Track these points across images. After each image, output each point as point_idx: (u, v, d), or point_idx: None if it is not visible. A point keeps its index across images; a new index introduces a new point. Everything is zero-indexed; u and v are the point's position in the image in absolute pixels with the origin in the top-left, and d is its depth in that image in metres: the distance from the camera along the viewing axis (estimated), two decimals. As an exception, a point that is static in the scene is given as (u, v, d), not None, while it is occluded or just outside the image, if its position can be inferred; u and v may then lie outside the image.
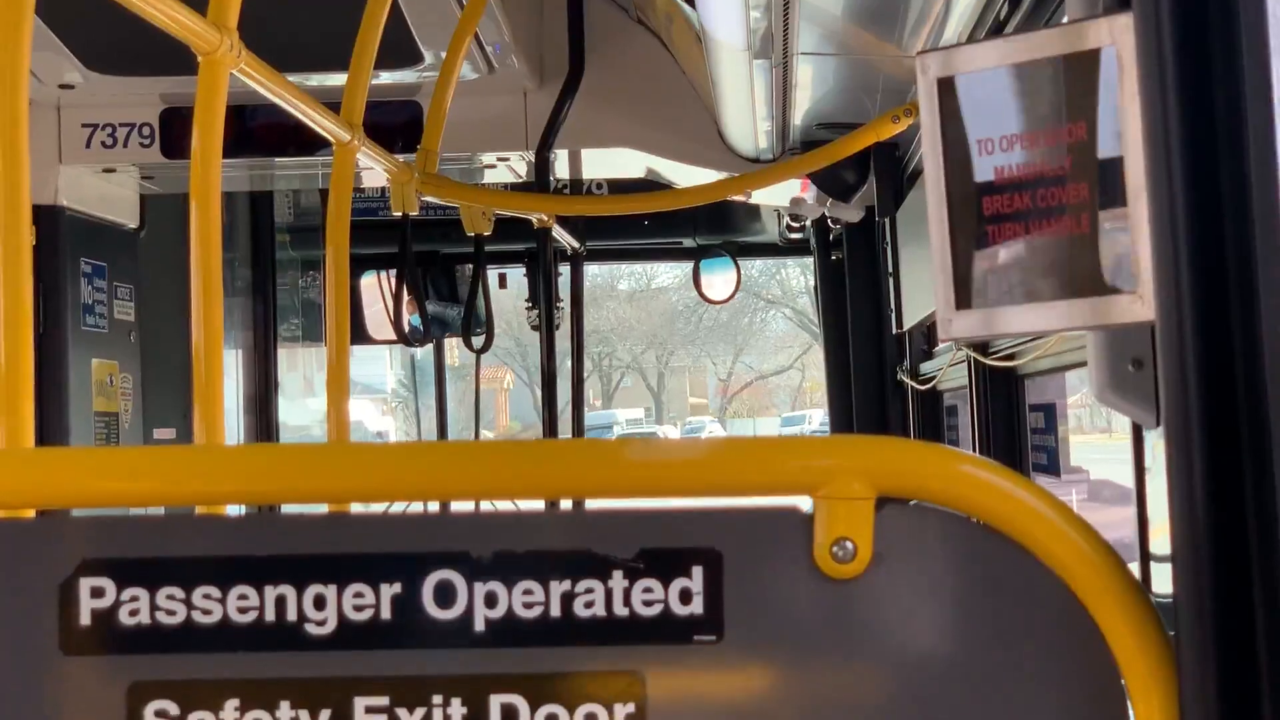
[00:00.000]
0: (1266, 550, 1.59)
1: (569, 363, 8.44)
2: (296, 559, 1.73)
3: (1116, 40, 1.74)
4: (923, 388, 6.76)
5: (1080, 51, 1.80)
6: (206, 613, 1.72)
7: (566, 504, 4.42)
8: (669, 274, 45.23)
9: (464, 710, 1.72)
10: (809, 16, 4.26)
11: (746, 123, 5.81)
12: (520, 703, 1.72)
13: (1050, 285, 1.83)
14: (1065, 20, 1.92)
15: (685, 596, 1.72)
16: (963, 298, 1.90)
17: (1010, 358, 4.88)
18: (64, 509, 1.92)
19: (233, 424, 8.02)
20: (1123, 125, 1.74)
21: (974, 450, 5.46)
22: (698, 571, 1.71)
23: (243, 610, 1.72)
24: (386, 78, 5.89)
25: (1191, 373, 1.65)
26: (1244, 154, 1.58)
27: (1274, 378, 1.59)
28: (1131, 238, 1.74)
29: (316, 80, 5.68)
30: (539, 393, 7.73)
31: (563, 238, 7.77)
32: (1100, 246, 1.78)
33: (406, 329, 7.06)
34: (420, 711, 1.72)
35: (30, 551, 1.74)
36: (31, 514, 1.95)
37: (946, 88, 1.91)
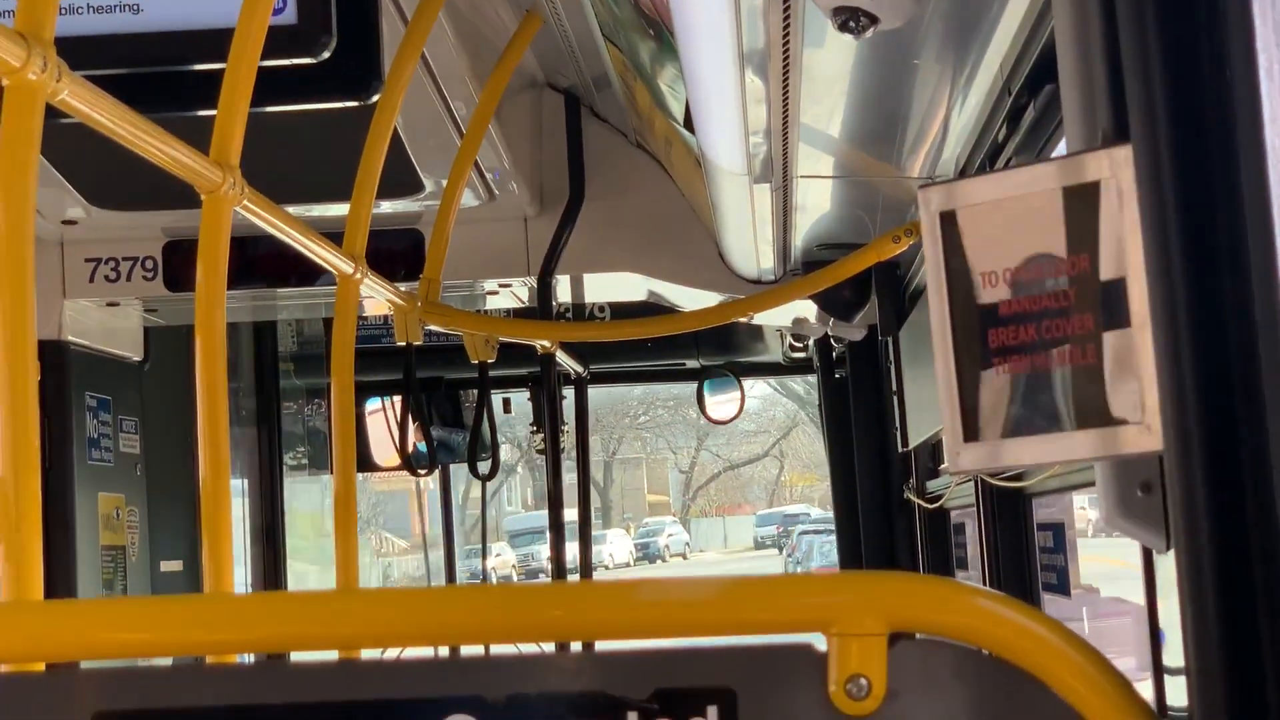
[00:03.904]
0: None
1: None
2: (308, 707, 1.72)
3: (1116, 172, 1.75)
4: (930, 506, 6.74)
5: (1080, 184, 1.81)
6: None
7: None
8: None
9: None
10: (808, 140, 4.29)
11: (748, 245, 5.83)
12: None
13: (1057, 417, 1.83)
14: (1065, 150, 1.94)
15: None
16: (970, 430, 1.90)
17: (1018, 477, 4.87)
18: (73, 661, 1.91)
19: (241, 555, 7.99)
20: (1125, 257, 1.74)
21: (983, 569, 5.45)
22: (713, 711, 1.71)
23: None
24: (388, 207, 5.91)
25: (1201, 501, 1.65)
26: (1248, 285, 1.58)
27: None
28: (1136, 369, 1.74)
29: (319, 211, 5.70)
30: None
31: (566, 362, 7.78)
32: (1105, 377, 1.78)
33: (412, 456, 7.06)
34: None
35: (42, 706, 1.73)
36: (41, 667, 1.94)
37: (949, 220, 1.92)
